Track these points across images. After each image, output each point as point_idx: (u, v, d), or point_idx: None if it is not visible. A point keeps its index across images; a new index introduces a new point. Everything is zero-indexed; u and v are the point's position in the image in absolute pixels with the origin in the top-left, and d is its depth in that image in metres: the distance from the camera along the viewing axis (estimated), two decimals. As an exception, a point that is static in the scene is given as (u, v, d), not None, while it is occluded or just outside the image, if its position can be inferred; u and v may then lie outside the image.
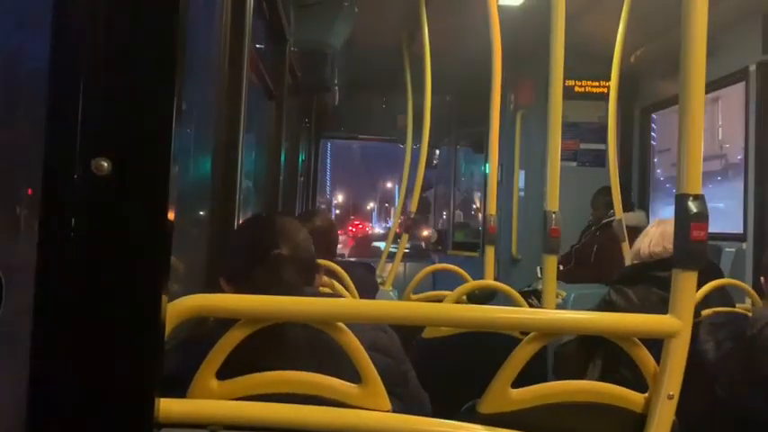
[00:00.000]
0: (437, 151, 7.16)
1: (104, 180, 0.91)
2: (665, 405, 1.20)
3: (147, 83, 0.93)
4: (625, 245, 3.75)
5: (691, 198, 1.23)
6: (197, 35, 2.10)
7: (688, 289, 1.22)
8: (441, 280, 4.70)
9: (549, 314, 1.41)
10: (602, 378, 2.68)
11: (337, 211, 35.39)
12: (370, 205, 43.59)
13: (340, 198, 39.05)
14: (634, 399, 1.24)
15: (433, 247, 7.30)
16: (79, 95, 0.92)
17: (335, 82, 4.27)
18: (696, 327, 1.22)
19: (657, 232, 2.59)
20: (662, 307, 2.42)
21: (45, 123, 0.94)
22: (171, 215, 0.95)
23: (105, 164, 0.91)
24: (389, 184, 37.71)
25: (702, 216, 1.22)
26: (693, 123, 1.27)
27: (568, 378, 2.80)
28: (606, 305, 2.57)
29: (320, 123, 6.67)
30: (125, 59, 0.92)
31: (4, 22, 0.96)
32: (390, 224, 4.66)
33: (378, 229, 30.76)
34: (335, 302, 1.24)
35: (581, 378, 2.71)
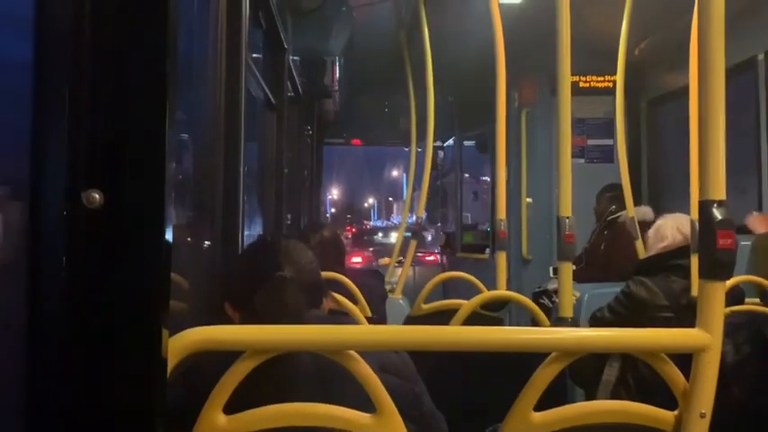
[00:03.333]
0: (441, 153, 7.10)
1: (97, 213, 0.86)
2: (698, 424, 1.14)
3: (138, 109, 0.88)
4: (639, 242, 3.68)
5: (715, 204, 1.17)
6: (192, 47, 2.04)
7: (716, 300, 1.16)
8: (451, 284, 4.64)
9: (572, 333, 1.35)
10: (620, 378, 2.62)
11: (333, 210, 34.39)
12: (369, 201, 41.91)
13: (335, 194, 37.47)
14: (664, 417, 1.18)
15: (442, 250, 7.24)
16: (65, 125, 0.87)
17: (336, 88, 4.22)
18: None
19: (674, 223, 2.56)
20: (687, 296, 2.40)
21: (30, 156, 0.88)
22: (168, 246, 0.90)
23: (97, 196, 0.86)
24: (395, 173, 36.37)
25: (728, 223, 1.16)
26: (713, 123, 1.21)
27: (585, 382, 2.75)
28: (625, 297, 2.51)
29: (322, 130, 6.63)
30: (114, 86, 0.87)
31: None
32: (395, 220, 4.55)
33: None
34: (344, 330, 1.19)
35: (597, 380, 2.66)
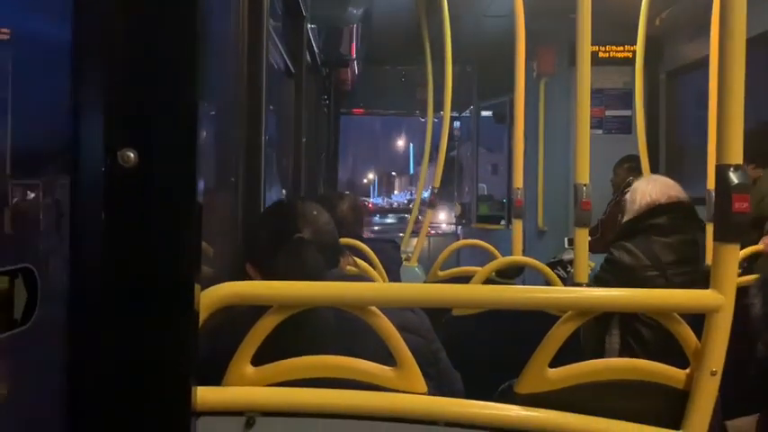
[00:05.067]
0: (457, 123, 7.07)
1: (132, 170, 0.90)
2: (709, 382, 1.17)
3: (169, 72, 0.91)
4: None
5: (731, 168, 1.19)
6: (214, 15, 2.06)
7: (730, 263, 1.19)
8: (465, 254, 4.68)
9: (587, 292, 1.38)
10: (623, 342, 2.65)
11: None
12: (369, 177, 40.39)
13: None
14: (675, 375, 1.22)
15: (458, 220, 7.26)
16: (103, 87, 0.91)
17: (354, 57, 4.21)
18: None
19: (647, 185, 2.56)
20: (667, 253, 2.42)
21: (71, 117, 0.92)
22: (199, 204, 0.93)
23: (132, 154, 0.90)
24: (400, 143, 34.69)
25: (744, 187, 1.18)
26: (733, 88, 1.22)
27: (593, 353, 2.78)
28: (609, 264, 2.53)
29: (339, 99, 6.62)
30: (147, 49, 0.90)
31: (28, 15, 0.95)
32: (405, 196, 4.58)
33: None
34: (368, 287, 1.23)
35: (602, 350, 2.69)
